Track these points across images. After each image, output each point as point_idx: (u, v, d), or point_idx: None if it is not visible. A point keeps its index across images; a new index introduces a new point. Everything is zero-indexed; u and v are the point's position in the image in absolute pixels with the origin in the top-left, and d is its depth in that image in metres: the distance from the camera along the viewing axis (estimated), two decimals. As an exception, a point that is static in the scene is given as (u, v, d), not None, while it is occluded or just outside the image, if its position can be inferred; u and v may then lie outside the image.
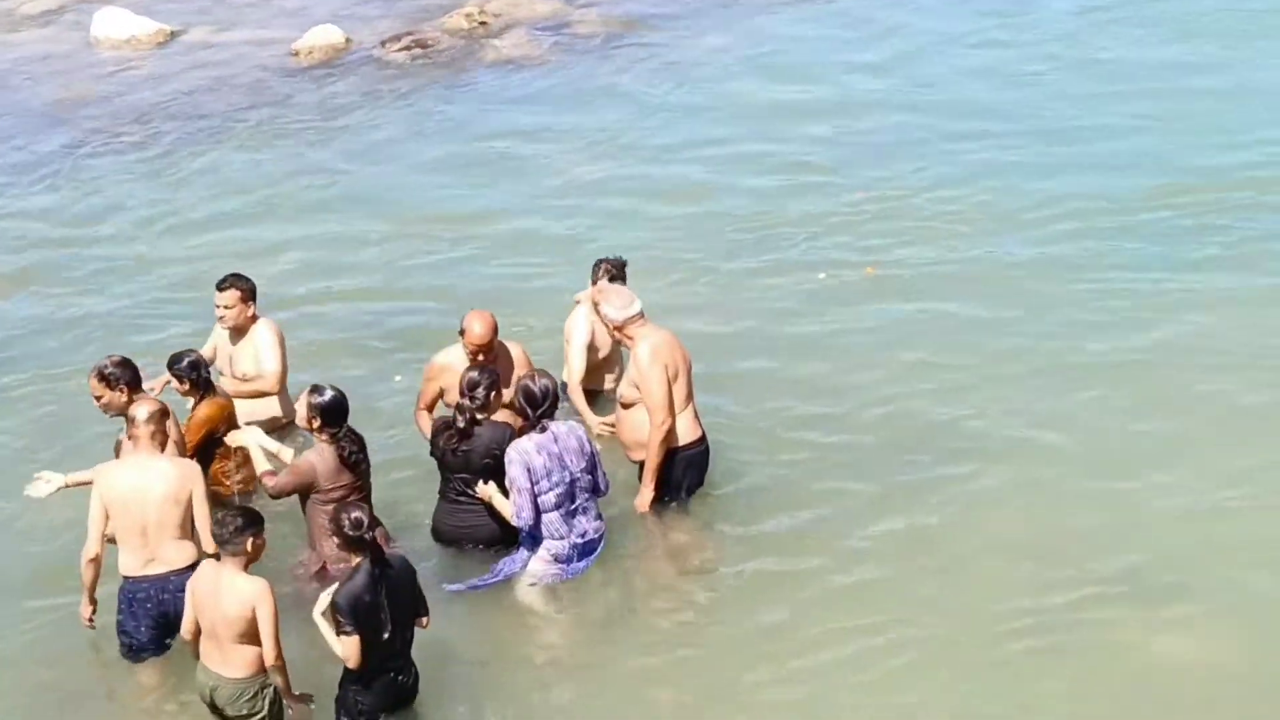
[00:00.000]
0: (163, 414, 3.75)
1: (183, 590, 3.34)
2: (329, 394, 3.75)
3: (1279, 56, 7.27)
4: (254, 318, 4.32)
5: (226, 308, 4.27)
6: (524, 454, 3.73)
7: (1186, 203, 5.74)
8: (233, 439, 3.97)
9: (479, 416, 3.81)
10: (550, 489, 3.82)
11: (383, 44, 8.50)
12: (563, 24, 8.67)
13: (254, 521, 3.16)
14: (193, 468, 3.69)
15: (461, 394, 3.88)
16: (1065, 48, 7.72)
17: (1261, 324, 4.79)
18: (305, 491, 3.74)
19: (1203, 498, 3.89)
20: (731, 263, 5.57)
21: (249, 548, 3.06)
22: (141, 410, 3.71)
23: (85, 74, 8.60)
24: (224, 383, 4.22)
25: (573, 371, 4.42)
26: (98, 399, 3.88)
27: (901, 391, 4.61)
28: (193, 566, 3.50)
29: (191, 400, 4.03)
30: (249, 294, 4.30)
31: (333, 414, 3.75)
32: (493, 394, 3.83)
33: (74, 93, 8.18)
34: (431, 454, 3.98)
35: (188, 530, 3.59)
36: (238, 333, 4.34)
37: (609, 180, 6.66)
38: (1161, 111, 6.71)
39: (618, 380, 4.48)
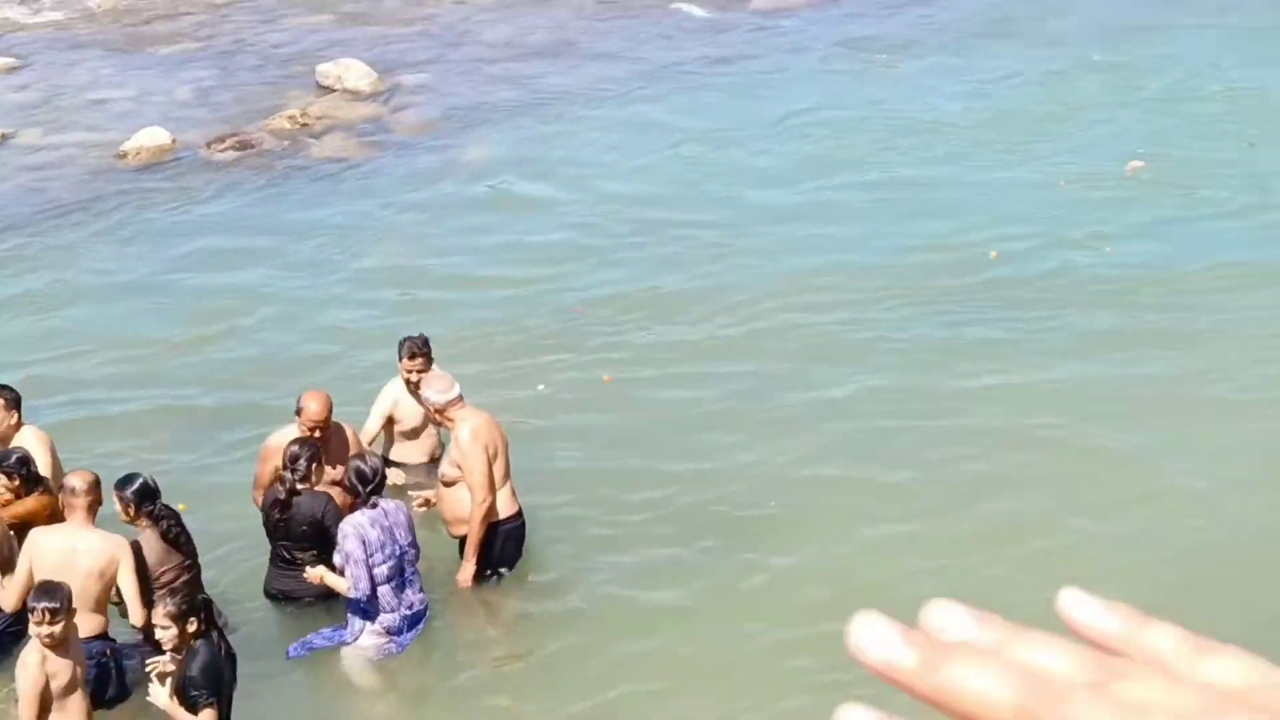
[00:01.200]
0: (98, 484, 4.16)
1: (88, 656, 3.74)
2: (136, 480, 4.21)
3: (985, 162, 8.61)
4: (18, 425, 4.60)
5: None
6: (359, 528, 4.21)
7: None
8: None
9: (299, 487, 4.35)
10: (383, 561, 4.28)
11: (208, 145, 9.14)
12: (380, 126, 9.50)
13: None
14: (121, 543, 4.06)
15: (284, 466, 4.38)
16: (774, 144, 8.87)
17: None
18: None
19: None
20: (523, 358, 6.32)
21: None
22: (79, 480, 4.11)
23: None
24: None
25: (367, 431, 5.01)
26: None
27: (689, 471, 5.41)
28: (100, 637, 3.92)
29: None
30: (12, 403, 4.61)
31: (145, 496, 4.21)
32: (313, 465, 4.38)
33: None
34: (263, 524, 4.51)
35: (104, 605, 3.99)
36: (2, 441, 4.56)
37: (410, 269, 7.46)
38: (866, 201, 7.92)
39: (434, 459, 5.06)
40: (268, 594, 4.58)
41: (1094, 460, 5.34)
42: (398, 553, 4.25)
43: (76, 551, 3.96)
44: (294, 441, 4.43)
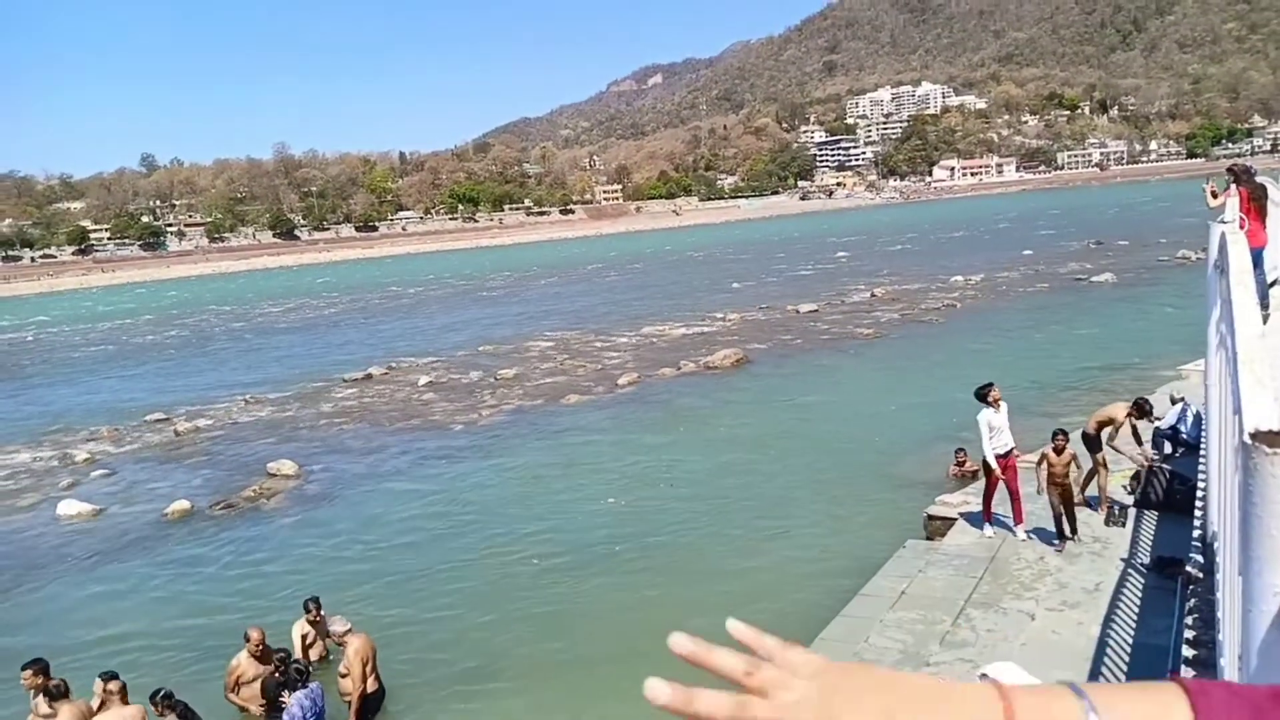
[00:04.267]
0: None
1: None
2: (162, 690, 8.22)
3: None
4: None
5: None
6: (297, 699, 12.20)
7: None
8: None
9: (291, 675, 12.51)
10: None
11: (210, 507, 17.80)
12: (300, 494, 18.42)
13: None
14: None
15: (275, 670, 11.68)
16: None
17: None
18: None
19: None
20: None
21: None
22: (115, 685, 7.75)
23: (48, 540, 17.27)
24: None
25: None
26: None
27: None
28: None
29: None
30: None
31: (168, 697, 8.10)
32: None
33: None
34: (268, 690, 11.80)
35: None
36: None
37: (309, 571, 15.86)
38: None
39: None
40: None
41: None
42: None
43: None
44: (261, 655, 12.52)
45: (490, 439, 20.81)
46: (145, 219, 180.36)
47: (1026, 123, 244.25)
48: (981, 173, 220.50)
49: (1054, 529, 10.49)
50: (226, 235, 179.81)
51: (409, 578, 12.83)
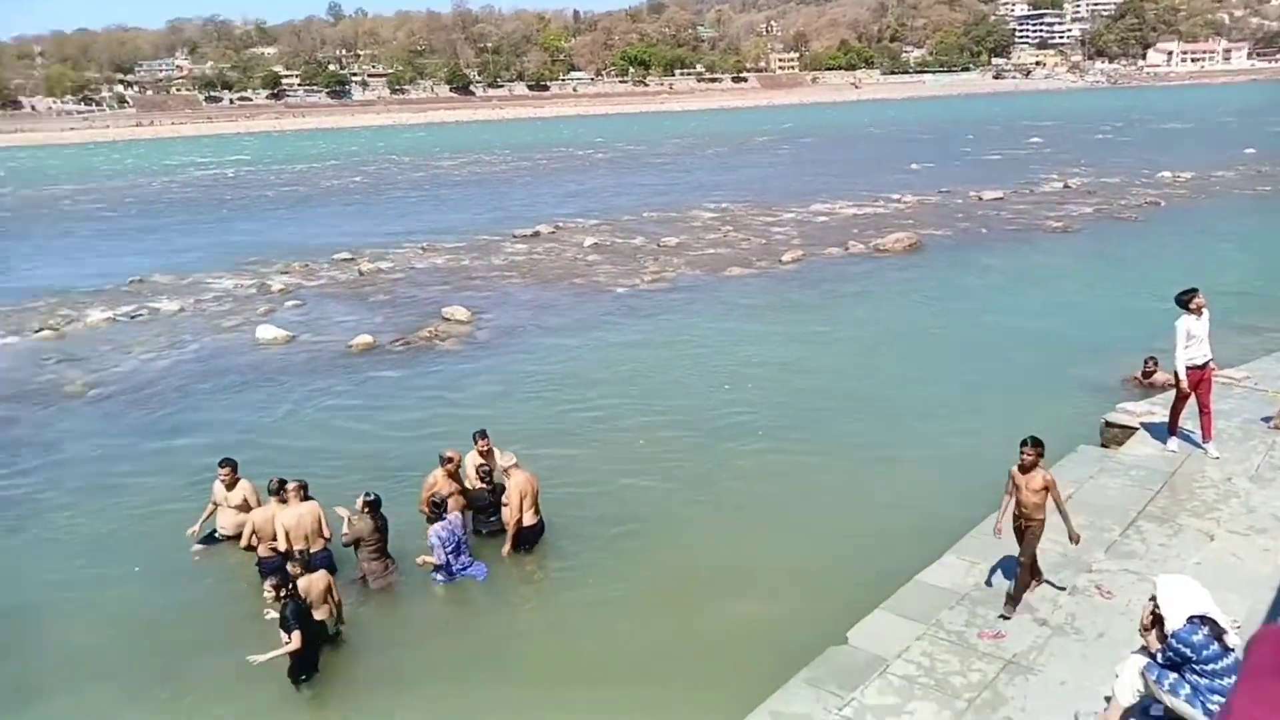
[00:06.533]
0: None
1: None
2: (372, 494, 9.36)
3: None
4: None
5: None
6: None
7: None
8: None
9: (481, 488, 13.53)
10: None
11: (390, 343, 18.94)
12: (471, 340, 19.35)
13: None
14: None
15: (479, 478, 13.49)
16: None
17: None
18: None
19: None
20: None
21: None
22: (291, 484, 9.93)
23: (248, 358, 18.94)
24: None
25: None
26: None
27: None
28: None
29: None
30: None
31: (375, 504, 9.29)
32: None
33: (216, 365, 18.44)
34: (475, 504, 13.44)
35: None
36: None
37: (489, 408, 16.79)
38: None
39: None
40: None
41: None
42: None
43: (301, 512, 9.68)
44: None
45: (650, 304, 21.06)
46: (332, 68, 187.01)
47: (1269, 1, 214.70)
48: (1204, 58, 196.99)
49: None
50: (406, 87, 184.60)
51: (564, 427, 13.29)
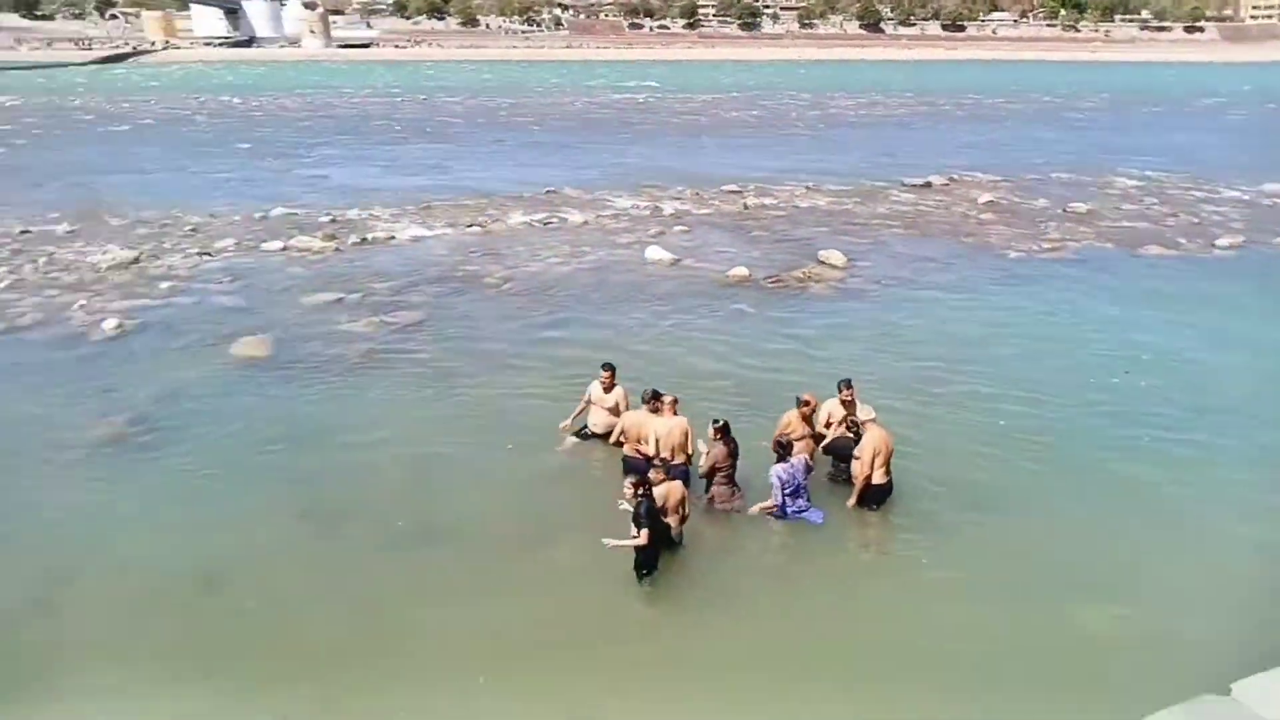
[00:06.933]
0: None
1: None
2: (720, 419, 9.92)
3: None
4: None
5: None
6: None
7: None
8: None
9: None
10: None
11: (764, 279, 19.28)
12: (843, 286, 19.12)
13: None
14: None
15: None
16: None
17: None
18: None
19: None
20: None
21: None
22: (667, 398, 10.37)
23: (635, 275, 20.31)
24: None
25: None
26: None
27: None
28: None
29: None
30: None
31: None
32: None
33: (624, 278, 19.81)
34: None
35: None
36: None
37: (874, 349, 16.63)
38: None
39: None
40: None
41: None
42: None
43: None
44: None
45: (1045, 273, 19.37)
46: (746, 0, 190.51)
47: None
48: None
49: None
50: (815, 22, 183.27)
51: (927, 389, 12.71)
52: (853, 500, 9.59)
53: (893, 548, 9.15)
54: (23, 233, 22.79)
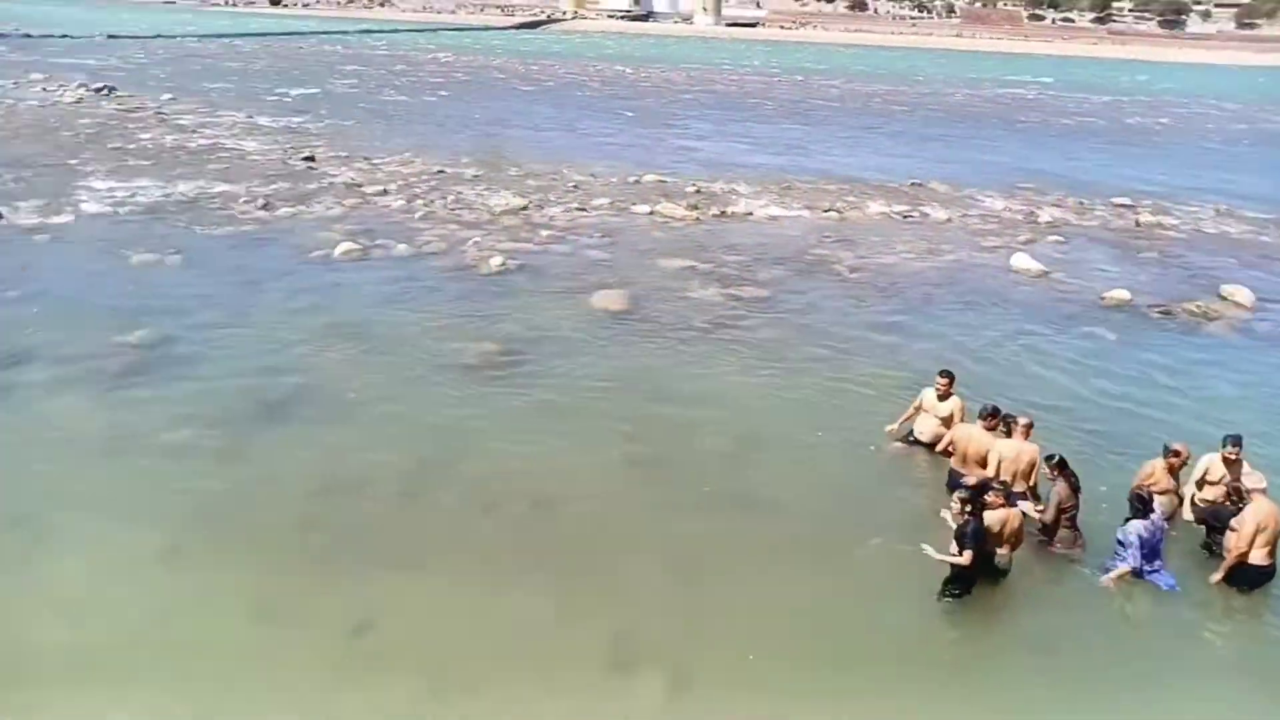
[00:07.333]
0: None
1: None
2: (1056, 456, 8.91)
3: None
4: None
5: None
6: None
7: None
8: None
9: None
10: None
11: (1148, 307, 17.17)
12: (1249, 329, 16.43)
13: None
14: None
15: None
16: None
17: None
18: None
19: None
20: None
21: None
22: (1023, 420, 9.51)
23: (996, 283, 18.94)
24: None
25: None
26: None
27: None
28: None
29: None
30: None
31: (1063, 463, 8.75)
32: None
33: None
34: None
35: None
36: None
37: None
38: None
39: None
40: None
41: None
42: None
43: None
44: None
45: None
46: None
47: None
48: None
49: None
50: (1258, 22, 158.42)
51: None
52: (1219, 575, 8.30)
53: (1261, 645, 7.79)
54: (439, 172, 26.22)
